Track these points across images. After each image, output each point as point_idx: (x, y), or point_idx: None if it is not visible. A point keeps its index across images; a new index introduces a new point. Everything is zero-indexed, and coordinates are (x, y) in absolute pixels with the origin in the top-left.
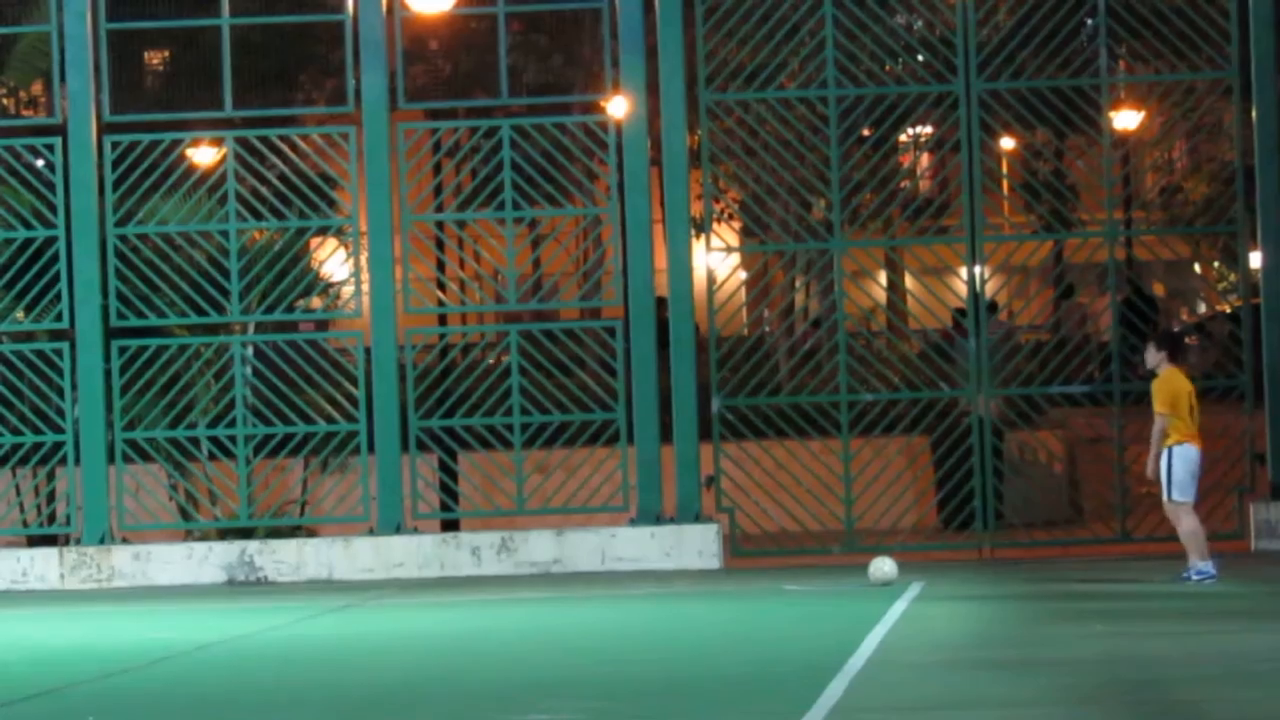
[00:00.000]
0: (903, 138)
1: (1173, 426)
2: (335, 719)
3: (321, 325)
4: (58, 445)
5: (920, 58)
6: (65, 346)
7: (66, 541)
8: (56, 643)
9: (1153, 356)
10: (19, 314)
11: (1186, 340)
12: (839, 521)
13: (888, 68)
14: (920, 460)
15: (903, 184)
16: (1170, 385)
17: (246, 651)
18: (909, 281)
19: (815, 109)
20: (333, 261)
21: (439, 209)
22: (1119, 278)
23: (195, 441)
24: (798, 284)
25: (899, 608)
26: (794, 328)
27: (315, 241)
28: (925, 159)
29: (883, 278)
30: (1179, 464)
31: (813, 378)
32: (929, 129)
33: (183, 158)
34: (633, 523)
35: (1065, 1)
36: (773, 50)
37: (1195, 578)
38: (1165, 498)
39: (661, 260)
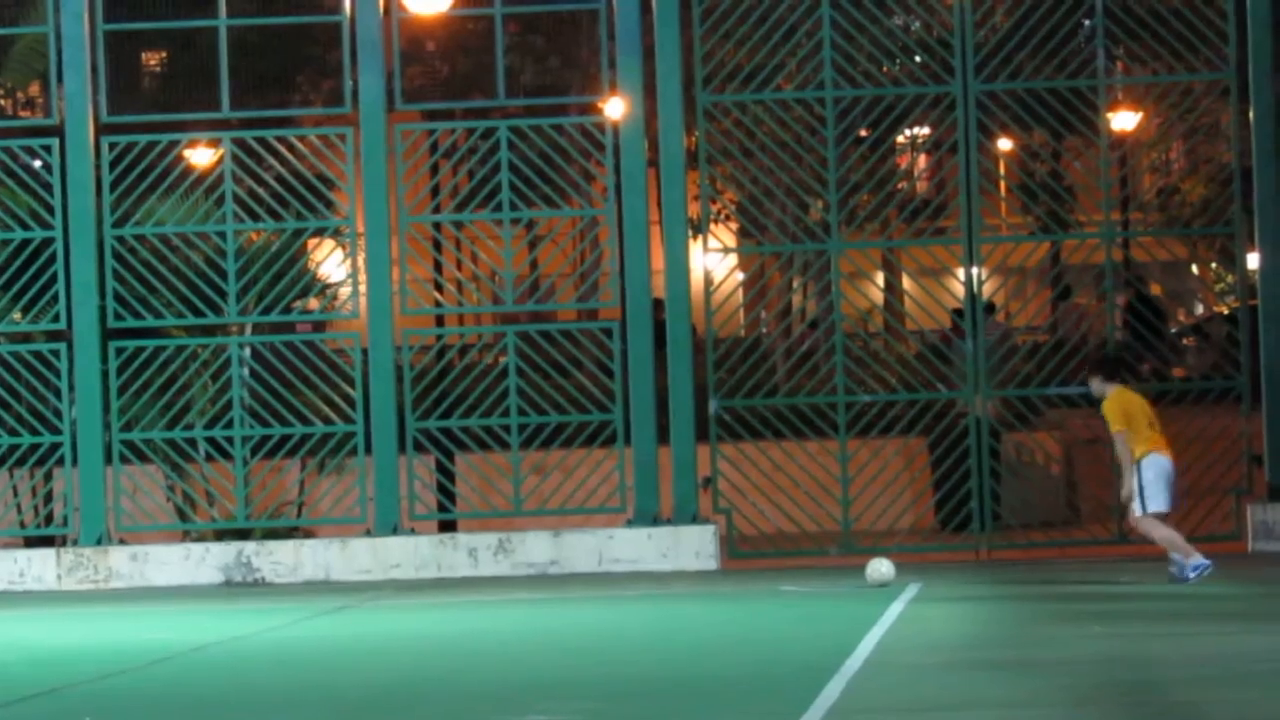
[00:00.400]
0: (900, 139)
1: (1136, 440)
2: None
3: (319, 326)
4: (55, 446)
5: (917, 59)
6: (62, 347)
7: (64, 542)
8: (53, 643)
9: (1097, 386)
10: (16, 315)
11: (1179, 345)
12: (836, 523)
13: (885, 69)
14: (918, 461)
15: (900, 185)
16: (1119, 402)
17: (244, 652)
18: (906, 282)
19: (812, 110)
20: (330, 262)
21: (436, 210)
22: (1123, 279)
23: (192, 442)
24: (795, 285)
25: (896, 609)
26: (791, 329)
27: (312, 242)
28: (922, 160)
29: (880, 279)
30: (1149, 473)
31: (810, 379)
32: (926, 130)
33: (180, 159)
34: (630, 524)
35: (1063, 3)
36: (770, 51)
37: (1192, 575)
38: (1138, 513)
39: (659, 261)
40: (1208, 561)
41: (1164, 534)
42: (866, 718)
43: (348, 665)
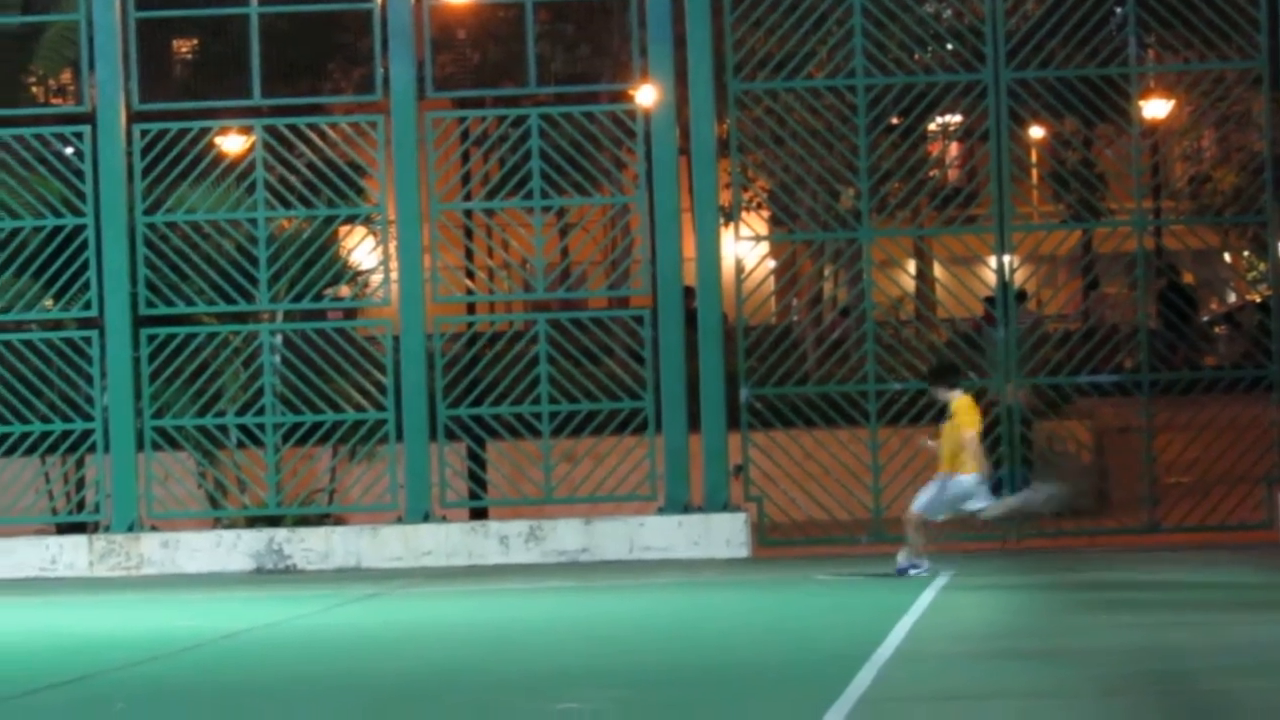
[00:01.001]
0: (931, 127)
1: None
2: (363, 707)
3: (350, 314)
4: (87, 433)
5: (949, 46)
6: (94, 334)
7: (95, 529)
8: (85, 630)
9: (942, 394)
10: (48, 302)
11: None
12: (867, 511)
13: (916, 56)
14: None
15: (931, 173)
16: (969, 404)
17: (274, 640)
18: (938, 270)
19: (844, 98)
20: (361, 250)
21: (467, 198)
22: (1155, 267)
23: (224, 429)
24: (826, 273)
25: (927, 597)
26: (822, 316)
27: (344, 230)
28: (954, 148)
29: (911, 267)
30: (953, 489)
31: (841, 367)
32: (958, 118)
33: (211, 146)
34: (661, 512)
35: None
36: (801, 39)
37: (912, 572)
38: (915, 509)
39: (690, 249)
40: (926, 567)
41: (918, 537)
42: (897, 706)
43: (378, 653)
